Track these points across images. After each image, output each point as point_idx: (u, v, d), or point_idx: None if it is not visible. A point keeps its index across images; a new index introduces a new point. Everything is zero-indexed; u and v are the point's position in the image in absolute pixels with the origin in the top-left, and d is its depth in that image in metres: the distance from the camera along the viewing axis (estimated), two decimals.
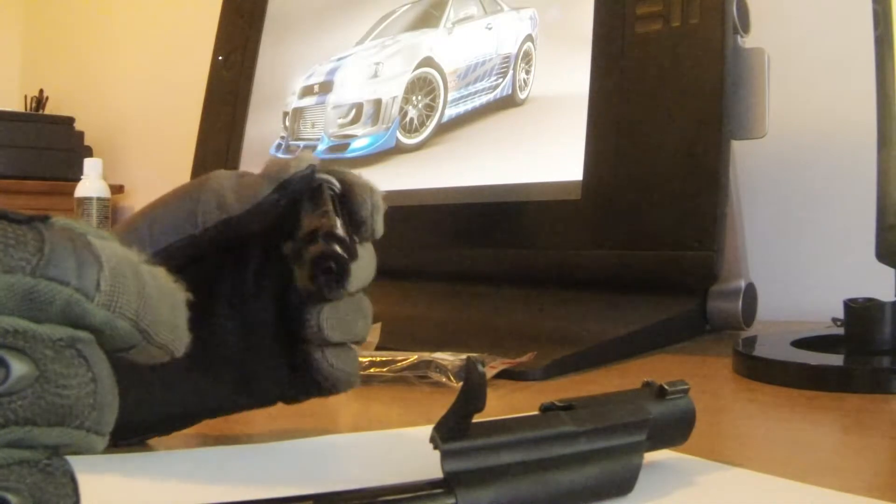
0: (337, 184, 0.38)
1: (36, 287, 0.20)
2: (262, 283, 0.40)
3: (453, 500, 0.27)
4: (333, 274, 0.33)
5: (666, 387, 0.33)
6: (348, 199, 0.38)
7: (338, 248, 0.33)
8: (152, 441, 0.40)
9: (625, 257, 0.73)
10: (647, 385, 0.34)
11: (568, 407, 0.31)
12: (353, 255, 0.34)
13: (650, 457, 0.34)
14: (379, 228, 0.39)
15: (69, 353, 0.20)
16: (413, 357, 0.55)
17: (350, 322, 0.38)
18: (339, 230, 0.34)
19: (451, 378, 0.54)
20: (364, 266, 0.38)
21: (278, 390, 0.40)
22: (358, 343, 0.40)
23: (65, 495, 0.20)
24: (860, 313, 0.56)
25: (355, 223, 0.38)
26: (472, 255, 0.83)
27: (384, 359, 0.56)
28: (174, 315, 0.23)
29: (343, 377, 0.39)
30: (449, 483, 0.28)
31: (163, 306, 0.23)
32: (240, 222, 0.36)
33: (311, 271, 0.33)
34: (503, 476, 0.28)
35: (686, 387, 0.33)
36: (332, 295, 0.36)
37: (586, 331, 0.67)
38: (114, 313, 0.21)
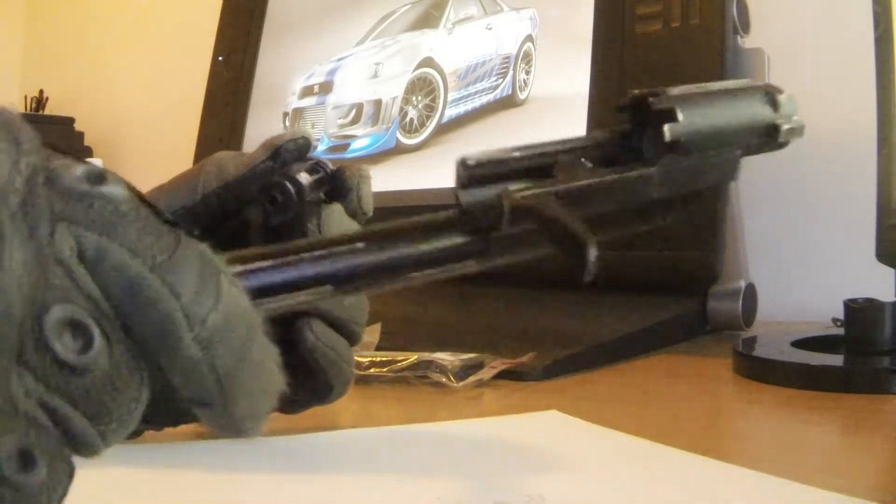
0: (328, 163, 0.40)
1: (146, 283, 0.19)
2: None
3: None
4: (279, 204, 0.36)
5: (782, 136, 0.29)
6: (338, 175, 0.40)
7: (288, 185, 0.36)
8: (147, 435, 0.40)
9: (625, 257, 0.73)
10: (772, 104, 0.29)
11: (671, 147, 0.26)
12: (303, 197, 0.36)
13: (650, 457, 0.34)
14: (367, 199, 0.40)
15: (137, 369, 0.19)
16: (413, 357, 0.55)
17: None
18: (301, 178, 0.37)
19: (451, 378, 0.54)
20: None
21: None
22: (350, 329, 0.39)
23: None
24: (860, 313, 0.56)
25: (343, 191, 0.40)
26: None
27: (384, 359, 0.56)
28: (263, 399, 0.21)
29: (333, 358, 0.38)
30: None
31: (258, 384, 0.21)
32: (236, 187, 0.38)
33: (262, 203, 0.36)
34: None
35: (800, 137, 0.29)
36: (274, 220, 0.37)
37: (586, 331, 0.67)
38: (205, 356, 0.19)
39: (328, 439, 0.41)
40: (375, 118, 0.96)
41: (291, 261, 0.23)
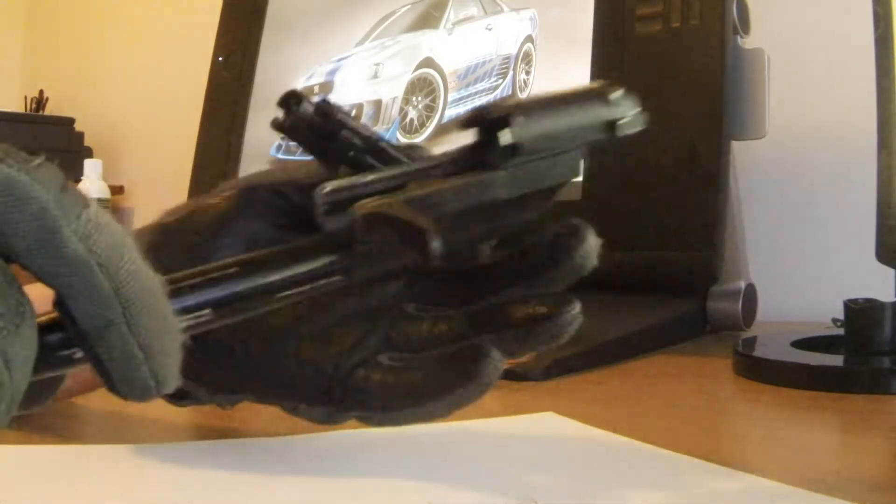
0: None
1: (17, 179, 0.20)
2: None
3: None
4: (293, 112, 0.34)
5: (620, 130, 0.31)
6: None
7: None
8: (145, 436, 0.40)
9: (625, 257, 0.73)
10: (603, 100, 0.31)
11: (510, 152, 0.29)
12: (330, 114, 0.33)
13: (642, 459, 0.34)
14: None
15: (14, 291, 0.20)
16: None
17: None
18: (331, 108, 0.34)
19: None
20: None
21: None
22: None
23: None
24: (860, 313, 0.56)
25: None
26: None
27: None
28: (168, 341, 0.22)
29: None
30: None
31: (156, 308, 0.22)
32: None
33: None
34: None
35: (641, 128, 0.32)
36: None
37: (586, 331, 0.67)
38: (90, 253, 0.20)
39: (324, 439, 0.41)
40: (375, 118, 0.96)
41: (172, 290, 0.24)
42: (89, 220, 0.20)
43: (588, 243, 0.34)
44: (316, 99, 0.34)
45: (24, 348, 0.20)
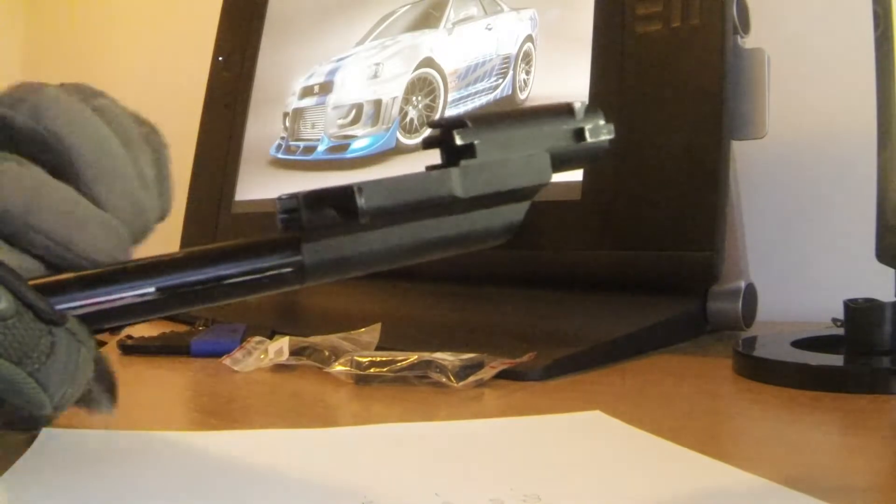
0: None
1: (24, 384, 0.26)
2: None
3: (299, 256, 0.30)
4: None
5: (587, 135, 0.32)
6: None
7: None
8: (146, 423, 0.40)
9: (625, 257, 0.73)
10: (568, 112, 0.32)
11: (465, 151, 0.30)
12: None
13: (648, 450, 0.34)
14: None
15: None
16: (413, 357, 0.56)
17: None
18: None
19: (451, 378, 0.54)
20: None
21: None
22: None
23: None
24: (860, 313, 0.56)
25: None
26: (472, 256, 0.83)
27: (384, 359, 0.56)
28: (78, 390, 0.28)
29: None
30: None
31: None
32: None
33: None
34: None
35: (609, 137, 0.32)
36: None
37: (586, 331, 0.67)
38: (55, 411, 0.27)
39: (332, 434, 0.42)
40: (375, 118, 0.96)
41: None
42: (70, 396, 0.27)
43: None
44: None
45: None
